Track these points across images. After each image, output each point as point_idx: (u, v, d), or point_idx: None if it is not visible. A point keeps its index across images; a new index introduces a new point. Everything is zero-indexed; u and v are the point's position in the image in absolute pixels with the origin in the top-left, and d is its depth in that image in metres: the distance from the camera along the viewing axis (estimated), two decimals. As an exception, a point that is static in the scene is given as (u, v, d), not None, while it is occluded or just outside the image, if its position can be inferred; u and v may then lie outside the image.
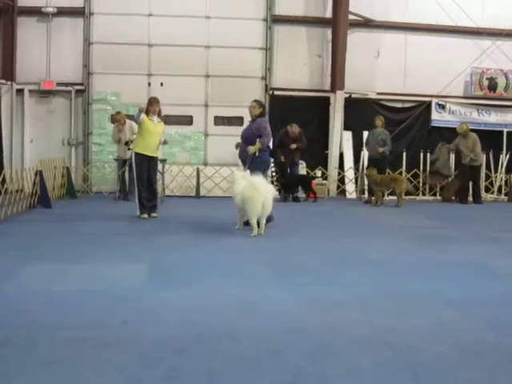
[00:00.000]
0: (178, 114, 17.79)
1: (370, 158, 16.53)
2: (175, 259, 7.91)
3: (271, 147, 11.86)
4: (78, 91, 17.96)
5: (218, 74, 18.04)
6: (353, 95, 18.36)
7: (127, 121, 15.60)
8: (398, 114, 18.73)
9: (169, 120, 17.64)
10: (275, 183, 15.65)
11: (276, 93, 18.32)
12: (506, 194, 18.31)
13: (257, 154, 10.69)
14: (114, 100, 17.90)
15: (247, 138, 10.89)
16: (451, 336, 4.85)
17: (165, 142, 12.29)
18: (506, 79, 19.00)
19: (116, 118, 15.90)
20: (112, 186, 16.74)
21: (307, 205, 15.69)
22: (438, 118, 18.83)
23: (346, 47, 17.94)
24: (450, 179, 17.83)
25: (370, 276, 7.09)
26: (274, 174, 16.25)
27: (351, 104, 18.30)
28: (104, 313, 5.32)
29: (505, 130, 18.87)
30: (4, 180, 12.02)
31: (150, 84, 17.98)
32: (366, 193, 16.96)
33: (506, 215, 14.91)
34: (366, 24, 18.49)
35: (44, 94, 17.92)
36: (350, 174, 18.03)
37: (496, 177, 18.48)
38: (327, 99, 18.29)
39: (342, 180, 18.10)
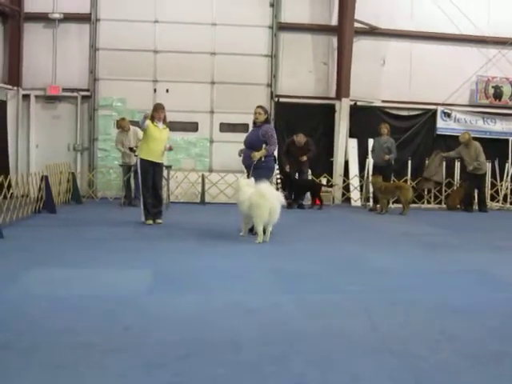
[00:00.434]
0: (184, 121, 17.82)
1: (375, 166, 16.52)
2: (179, 265, 7.91)
3: (276, 154, 11.84)
4: (83, 97, 18.01)
5: (224, 80, 18.08)
6: (358, 103, 18.37)
7: (132, 127, 15.63)
8: (403, 122, 18.70)
9: (174, 126, 17.70)
10: (280, 190, 15.62)
11: (281, 100, 18.33)
12: (511, 203, 18.27)
13: (263, 159, 10.67)
14: (120, 106, 17.94)
15: (252, 144, 10.85)
16: (454, 344, 4.84)
17: (170, 149, 12.31)
18: (512, 87, 19.01)
19: (121, 124, 15.94)
20: (117, 191, 16.78)
21: (312, 212, 15.68)
22: (443, 126, 18.81)
23: (351, 55, 17.96)
24: (455, 188, 17.79)
25: (374, 283, 7.09)
26: (278, 180, 16.23)
27: (356, 111, 18.30)
28: (107, 318, 5.33)
29: (510, 139, 18.80)
30: (10, 185, 12.04)
31: (155, 90, 18.02)
32: (371, 200, 16.94)
33: (511, 224, 14.88)
34: (372, 32, 18.50)
35: (50, 99, 17.96)
36: (355, 181, 18.01)
37: (501, 185, 18.44)
38: (332, 106, 18.30)
39: (346, 187, 18.09)
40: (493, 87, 18.98)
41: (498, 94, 19.01)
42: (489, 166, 17.83)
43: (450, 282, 7.35)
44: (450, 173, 18.09)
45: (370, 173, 17.06)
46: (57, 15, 17.55)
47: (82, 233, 10.83)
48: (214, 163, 18.25)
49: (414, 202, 17.13)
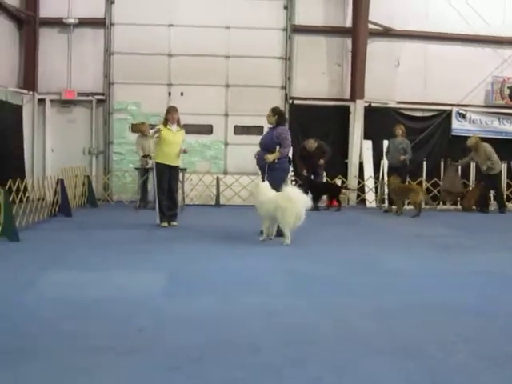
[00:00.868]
0: (198, 124, 17.85)
1: (389, 167, 16.45)
2: (194, 267, 7.92)
3: (290, 156, 11.84)
4: (98, 101, 18.09)
5: (238, 83, 18.10)
6: (373, 104, 18.34)
7: (151, 131, 15.65)
8: (418, 123, 18.65)
9: (189, 129, 17.68)
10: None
11: (296, 102, 18.33)
12: (527, 204, 18.17)
13: (276, 160, 10.67)
14: (135, 110, 18.01)
15: (266, 145, 10.86)
16: (470, 346, 4.82)
17: (184, 151, 12.31)
18: (527, 88, 18.91)
19: (140, 129, 16.00)
20: (132, 194, 16.83)
21: (328, 214, 15.65)
22: (458, 126, 18.74)
23: (365, 56, 17.93)
24: (470, 189, 17.68)
25: (389, 285, 7.07)
26: (293, 182, 16.22)
27: (371, 113, 18.26)
28: (122, 321, 5.34)
29: (526, 139, 18.72)
30: (26, 188, 12.12)
31: (170, 94, 18.07)
32: (386, 202, 16.89)
33: (528, 225, 14.80)
34: (386, 33, 18.46)
35: (65, 103, 18.07)
36: (369, 183, 17.98)
37: (517, 186, 18.35)
38: (347, 108, 18.28)
39: (361, 189, 18.06)
40: (508, 88, 18.88)
41: (513, 95, 18.91)
42: (504, 166, 17.73)
43: (465, 283, 7.32)
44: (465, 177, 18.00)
45: (385, 174, 17.01)
46: (72, 20, 17.65)
47: (97, 236, 10.88)
48: (229, 165, 18.27)
49: (430, 203, 17.03)
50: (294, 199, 9.75)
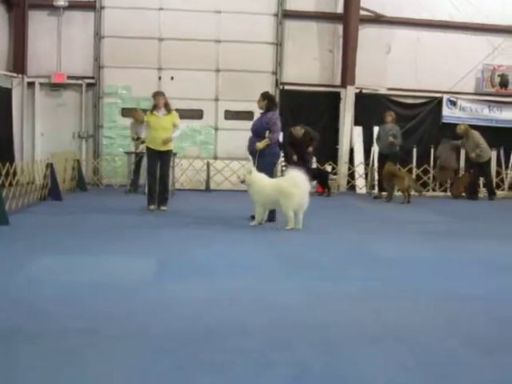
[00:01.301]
0: (189, 108, 17.81)
1: (380, 154, 16.46)
2: (185, 252, 7.92)
3: (281, 141, 11.85)
4: (88, 84, 18.02)
5: (229, 68, 18.06)
6: (363, 90, 18.35)
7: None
8: (408, 110, 18.69)
9: (179, 114, 17.68)
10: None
11: (286, 87, 18.32)
12: (516, 191, 18.27)
13: (266, 147, 10.67)
14: (125, 93, 17.94)
15: (257, 131, 10.86)
16: (461, 332, 4.84)
17: (170, 140, 11.98)
18: (518, 76, 18.94)
19: (134, 115, 15.90)
20: (122, 178, 16.81)
21: (318, 199, 15.64)
22: (448, 114, 18.79)
23: (356, 42, 17.92)
24: (460, 175, 17.74)
25: (380, 271, 7.09)
26: (283, 168, 16.21)
27: (362, 99, 18.27)
28: (113, 305, 5.34)
29: (516, 127, 18.79)
30: (15, 172, 12.07)
31: (160, 78, 18.01)
32: (376, 188, 16.93)
33: (516, 212, 14.88)
34: (378, 20, 18.45)
35: (55, 87, 17.98)
36: (360, 169, 18.02)
37: (507, 174, 18.42)
38: (338, 94, 18.28)
39: (351, 175, 18.09)
40: (499, 76, 18.93)
41: (504, 83, 18.97)
42: (494, 154, 17.79)
43: (457, 270, 7.34)
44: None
45: (376, 160, 17.04)
46: (61, 3, 17.53)
47: (87, 220, 10.86)
48: (219, 150, 18.25)
49: (422, 191, 17.09)
50: (300, 183, 9.76)
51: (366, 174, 18.09)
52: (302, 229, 9.87)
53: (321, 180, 16.78)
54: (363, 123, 18.26)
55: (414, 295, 5.97)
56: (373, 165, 17.58)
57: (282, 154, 14.66)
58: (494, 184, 17.67)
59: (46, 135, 17.89)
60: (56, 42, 17.77)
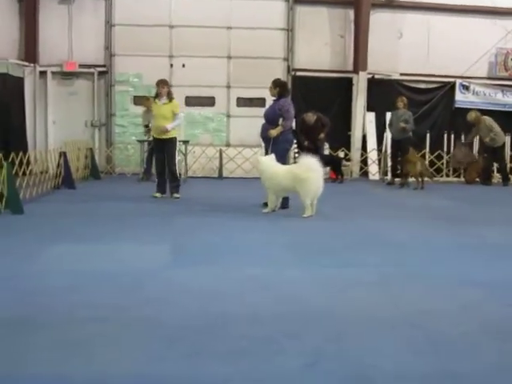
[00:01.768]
0: (201, 96, 17.83)
1: (392, 140, 16.38)
2: (198, 240, 7.93)
3: (294, 128, 11.83)
4: (100, 73, 18.01)
5: (240, 55, 17.98)
6: (376, 76, 18.23)
7: None
8: (421, 95, 18.56)
9: (191, 101, 17.80)
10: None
11: (298, 74, 18.24)
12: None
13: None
14: (136, 81, 17.92)
15: (269, 118, 10.85)
16: (475, 317, 4.84)
17: (166, 130, 11.82)
18: (532, 60, 18.78)
19: (145, 104, 15.89)
20: (135, 167, 16.83)
21: (331, 186, 15.60)
22: (461, 98, 18.63)
23: (368, 28, 17.79)
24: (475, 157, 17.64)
25: (393, 257, 7.08)
26: (296, 154, 16.17)
27: (374, 85, 18.17)
28: (125, 293, 5.37)
29: (530, 112, 18.64)
30: (29, 161, 12.11)
31: (171, 65, 17.97)
32: (389, 174, 16.87)
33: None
34: (389, 4, 18.30)
35: (66, 75, 17.99)
36: (373, 155, 17.95)
37: (521, 158, 18.31)
38: (350, 80, 18.19)
39: (364, 161, 18.04)
40: (512, 59, 18.76)
41: (517, 67, 18.79)
42: (508, 139, 17.68)
43: (469, 255, 7.32)
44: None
45: (389, 146, 16.96)
46: (72, -9, 17.51)
47: (100, 208, 10.90)
48: (232, 138, 18.22)
49: (433, 176, 17.02)
50: (314, 168, 9.74)
51: (379, 160, 18.03)
52: (315, 215, 9.85)
53: (334, 166, 16.75)
54: (376, 109, 18.16)
55: (427, 281, 5.96)
56: (386, 151, 17.51)
57: (295, 141, 14.61)
58: (508, 169, 17.56)
59: (58, 124, 17.91)
60: (67, 30, 17.76)
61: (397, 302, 5.23)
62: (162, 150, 12.04)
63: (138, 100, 17.47)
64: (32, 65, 17.52)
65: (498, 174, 17.31)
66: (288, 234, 8.58)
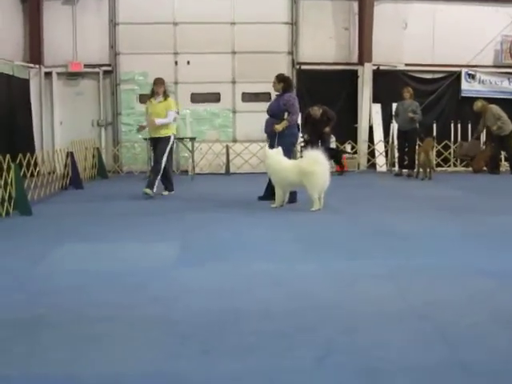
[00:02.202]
0: (206, 92, 17.85)
1: (399, 130, 16.33)
2: (206, 237, 7.95)
3: (299, 123, 11.83)
4: (105, 72, 18.04)
5: (245, 50, 17.97)
6: (381, 67, 18.19)
7: None
8: (427, 85, 18.51)
9: (196, 98, 17.83)
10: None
11: (303, 67, 18.21)
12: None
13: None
14: (142, 80, 17.93)
15: (274, 112, 10.87)
16: (484, 307, 4.83)
17: (153, 123, 11.73)
18: (538, 47, 18.68)
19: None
20: (142, 165, 16.85)
21: (337, 178, 15.59)
22: (468, 87, 18.57)
23: (372, 19, 17.75)
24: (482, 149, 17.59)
25: (401, 249, 7.07)
26: (302, 148, 16.15)
27: (380, 76, 18.13)
28: (135, 291, 5.38)
29: (537, 99, 18.54)
30: (36, 162, 12.15)
31: (176, 63, 17.98)
32: (397, 165, 16.84)
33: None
34: (393, -5, 18.26)
35: (72, 76, 18.03)
36: (379, 146, 17.92)
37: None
38: (355, 72, 18.16)
39: (371, 153, 18.01)
40: (518, 47, 18.66)
41: (523, 54, 18.70)
42: (514, 126, 17.62)
43: (477, 245, 7.30)
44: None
45: (395, 137, 16.93)
46: (75, -9, 17.53)
47: (109, 207, 10.92)
48: (238, 133, 18.23)
49: (440, 166, 16.99)
50: (320, 162, 9.73)
51: (386, 152, 18.00)
52: (323, 208, 9.85)
53: (335, 158, 16.64)
54: (382, 100, 18.14)
55: (436, 271, 5.95)
56: (392, 142, 17.48)
57: (300, 135, 14.59)
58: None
59: (64, 124, 17.97)
60: (71, 30, 17.78)
61: (405, 293, 5.23)
62: (154, 149, 12.18)
63: (143, 98, 17.43)
64: (37, 66, 17.57)
65: (505, 163, 17.23)
66: (297, 229, 8.58)
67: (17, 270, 6.19)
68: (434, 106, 18.43)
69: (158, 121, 11.69)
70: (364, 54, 17.89)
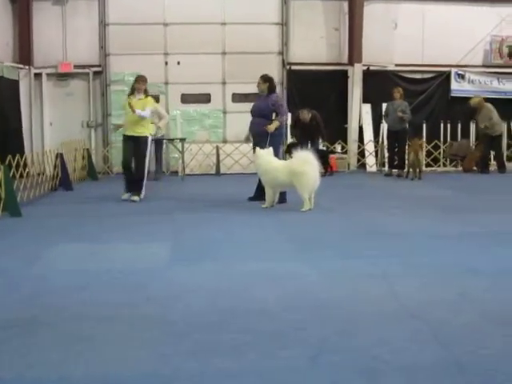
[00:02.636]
0: (196, 93, 17.82)
1: (389, 130, 16.38)
2: (198, 237, 7.94)
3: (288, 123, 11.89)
4: (95, 73, 17.99)
5: (235, 50, 17.95)
6: (371, 67, 18.21)
7: None
8: (417, 85, 18.56)
9: (187, 99, 17.81)
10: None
11: (293, 67, 18.22)
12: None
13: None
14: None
15: (263, 113, 10.90)
16: (476, 306, 4.84)
17: (140, 115, 11.39)
18: (527, 47, 18.77)
19: None
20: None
21: (326, 179, 15.61)
22: (457, 87, 18.63)
23: (362, 19, 17.78)
24: (471, 149, 17.66)
25: (392, 248, 7.09)
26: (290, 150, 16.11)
27: (370, 76, 18.15)
28: (131, 290, 5.37)
29: (526, 99, 18.63)
30: (25, 163, 12.10)
31: (166, 63, 17.95)
32: (387, 165, 16.88)
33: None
34: (383, -5, 18.30)
35: (62, 76, 17.96)
36: (369, 147, 17.95)
37: (518, 146, 18.33)
38: (345, 72, 18.18)
39: (361, 153, 18.04)
40: (507, 47, 18.73)
41: (512, 54, 18.79)
42: (504, 126, 17.68)
43: (468, 244, 7.33)
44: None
45: (385, 138, 16.97)
46: (65, -8, 17.47)
47: (99, 208, 10.89)
48: (228, 134, 18.21)
49: (430, 166, 17.04)
50: (311, 162, 9.75)
51: (376, 152, 18.03)
52: (314, 208, 9.86)
53: (322, 159, 16.54)
54: (372, 100, 18.18)
55: (427, 270, 5.97)
56: (382, 142, 17.52)
57: (290, 137, 14.59)
58: (505, 156, 17.57)
59: (54, 125, 17.90)
60: (61, 31, 17.72)
61: (398, 292, 5.24)
62: (131, 149, 11.53)
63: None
64: (27, 67, 17.50)
65: (494, 162, 17.30)
66: (288, 228, 8.59)
67: (10, 271, 6.17)
68: (424, 106, 18.48)
69: (138, 111, 11.35)
70: (354, 54, 17.92)
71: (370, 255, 6.70)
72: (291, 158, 11.07)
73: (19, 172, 11.30)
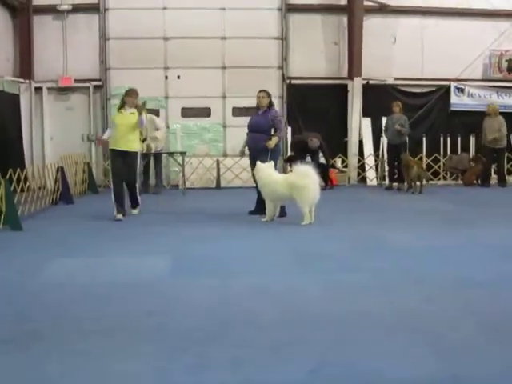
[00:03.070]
0: (196, 107, 17.84)
1: (389, 144, 16.42)
2: (198, 250, 7.94)
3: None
4: (95, 87, 18.03)
5: (235, 65, 18.00)
6: (370, 81, 18.25)
7: (149, 115, 15.54)
8: (416, 99, 18.58)
9: (187, 113, 17.84)
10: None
11: (293, 82, 18.26)
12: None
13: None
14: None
15: (262, 128, 10.94)
16: (475, 319, 4.84)
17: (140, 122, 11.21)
18: (526, 61, 18.83)
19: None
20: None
21: (326, 193, 15.60)
22: (457, 101, 18.66)
23: (362, 33, 17.84)
24: (471, 163, 17.69)
25: (393, 261, 7.09)
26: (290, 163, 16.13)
27: (369, 90, 18.18)
28: (129, 304, 5.38)
29: (525, 113, 18.65)
30: (26, 177, 12.11)
31: (166, 77, 17.99)
32: (387, 179, 16.89)
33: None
34: (382, 9, 18.33)
35: (62, 91, 18.00)
36: (370, 160, 17.97)
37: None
38: (345, 86, 18.22)
39: (362, 167, 18.05)
40: (506, 61, 18.78)
41: (511, 68, 18.81)
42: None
43: (468, 257, 7.33)
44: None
45: (385, 151, 16.99)
46: (65, 6, 17.50)
47: (99, 222, 10.86)
48: (228, 148, 18.22)
49: (430, 179, 17.05)
50: (311, 176, 9.78)
51: (377, 166, 18.05)
52: (314, 222, 9.86)
53: (322, 173, 16.53)
54: (371, 114, 18.20)
55: (427, 284, 5.97)
56: (382, 156, 17.54)
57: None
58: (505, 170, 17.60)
59: (55, 139, 17.92)
60: (62, 45, 17.78)
61: (397, 305, 5.24)
62: (121, 166, 11.21)
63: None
64: (27, 81, 17.54)
65: (495, 176, 17.31)
66: (288, 242, 8.59)
67: (9, 285, 6.18)
68: (424, 120, 18.50)
69: (142, 119, 11.14)
70: (353, 68, 17.96)
71: (370, 269, 6.70)
72: (291, 170, 11.11)
73: (20, 186, 11.31)
